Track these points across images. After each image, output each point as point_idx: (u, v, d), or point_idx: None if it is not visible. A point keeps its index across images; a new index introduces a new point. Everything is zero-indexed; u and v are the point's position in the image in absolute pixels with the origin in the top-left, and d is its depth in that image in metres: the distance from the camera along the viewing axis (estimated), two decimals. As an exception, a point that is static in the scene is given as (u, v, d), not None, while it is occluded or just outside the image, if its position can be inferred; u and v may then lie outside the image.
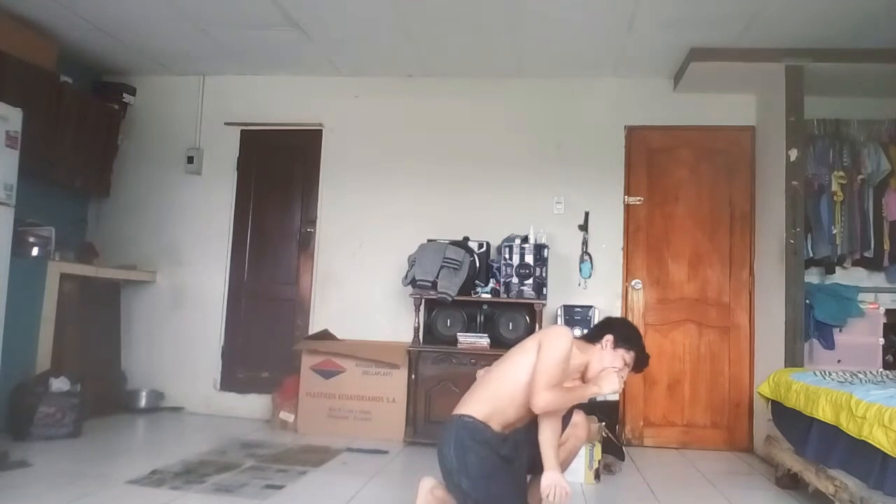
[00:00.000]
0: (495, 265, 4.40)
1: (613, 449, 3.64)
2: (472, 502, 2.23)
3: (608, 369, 2.36)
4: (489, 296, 4.33)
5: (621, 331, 2.47)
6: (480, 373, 2.63)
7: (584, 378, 2.43)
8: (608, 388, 2.32)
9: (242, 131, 5.10)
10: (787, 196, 3.99)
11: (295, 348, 4.53)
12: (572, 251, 4.61)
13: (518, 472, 2.38)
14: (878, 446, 2.28)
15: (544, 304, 4.26)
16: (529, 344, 2.37)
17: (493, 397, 2.33)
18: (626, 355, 2.42)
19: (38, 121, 3.97)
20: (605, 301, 4.52)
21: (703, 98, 4.63)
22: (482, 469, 2.23)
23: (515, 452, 2.35)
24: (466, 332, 4.33)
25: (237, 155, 5.09)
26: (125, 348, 4.96)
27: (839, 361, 4.05)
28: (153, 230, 5.08)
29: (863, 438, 2.38)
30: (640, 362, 2.46)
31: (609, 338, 2.42)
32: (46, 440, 3.69)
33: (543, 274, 4.28)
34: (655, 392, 4.52)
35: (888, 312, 4.19)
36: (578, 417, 2.51)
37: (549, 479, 2.23)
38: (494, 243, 4.47)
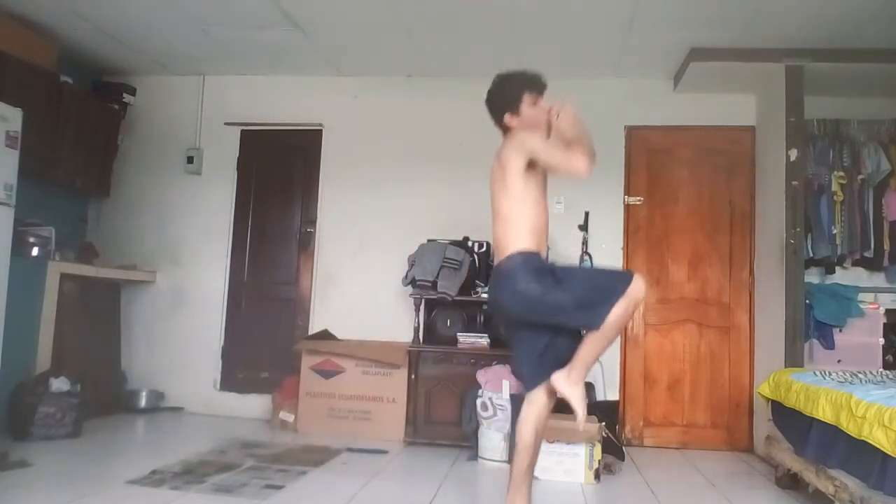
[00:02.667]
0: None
1: (613, 449, 3.64)
2: (573, 305, 2.24)
3: (547, 119, 2.42)
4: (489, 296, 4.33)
5: (499, 103, 2.49)
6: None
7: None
8: (567, 116, 2.38)
9: (242, 131, 5.10)
10: (787, 196, 3.98)
11: (295, 348, 4.53)
12: (572, 251, 4.60)
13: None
14: (878, 446, 2.28)
15: (544, 304, 4.25)
16: (497, 173, 2.40)
17: (529, 223, 2.37)
18: (531, 97, 2.45)
19: (38, 121, 3.96)
20: (605, 301, 4.51)
21: (703, 98, 4.63)
22: (564, 271, 2.35)
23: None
24: (466, 332, 4.33)
25: (237, 155, 5.09)
26: (125, 348, 4.96)
27: (839, 361, 4.05)
28: (153, 230, 5.08)
29: (863, 438, 2.37)
30: (533, 84, 2.47)
31: (507, 117, 2.46)
32: (46, 440, 3.69)
33: (543, 274, 4.27)
34: (655, 392, 4.52)
35: (888, 312, 4.19)
36: None
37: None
38: (494, 243, 4.47)
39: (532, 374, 2.44)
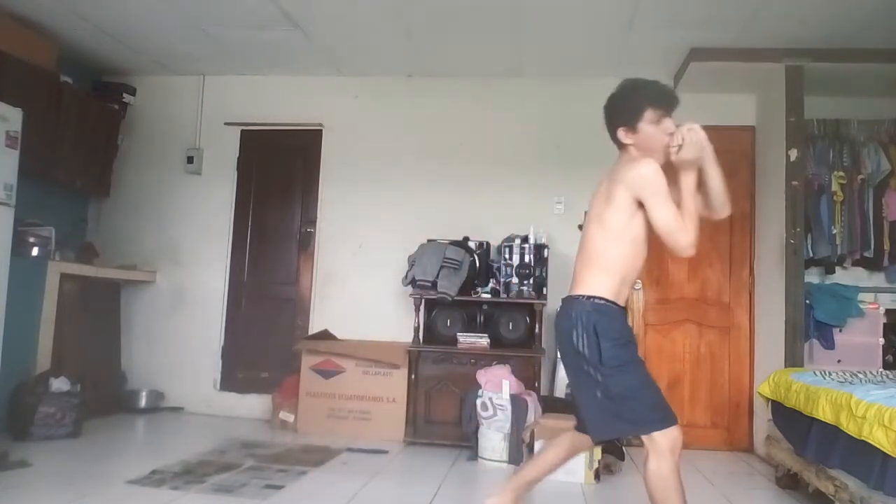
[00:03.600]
0: (495, 265, 4.39)
1: (613, 449, 3.64)
2: (602, 395, 1.99)
3: (667, 143, 2.05)
4: (489, 296, 4.33)
5: (617, 115, 2.13)
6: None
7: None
8: (694, 143, 2.01)
9: (242, 131, 5.11)
10: (787, 196, 3.98)
11: (295, 348, 4.53)
12: (572, 251, 4.57)
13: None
14: (878, 446, 2.28)
15: (544, 304, 4.25)
16: (601, 196, 2.12)
17: (617, 264, 2.08)
18: (650, 119, 2.07)
19: (38, 121, 3.96)
20: (605, 301, 4.51)
21: (703, 98, 4.61)
22: (617, 356, 2.01)
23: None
24: (466, 332, 4.33)
25: (237, 155, 5.10)
26: (125, 348, 4.96)
27: (839, 361, 4.04)
28: (153, 230, 5.08)
29: (863, 438, 2.37)
30: (662, 100, 2.10)
31: (622, 132, 2.12)
32: (46, 440, 3.69)
33: (543, 274, 4.28)
34: (655, 392, 4.51)
35: (888, 312, 4.18)
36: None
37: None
38: (494, 243, 4.47)
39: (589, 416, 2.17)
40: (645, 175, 2.01)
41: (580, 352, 2.04)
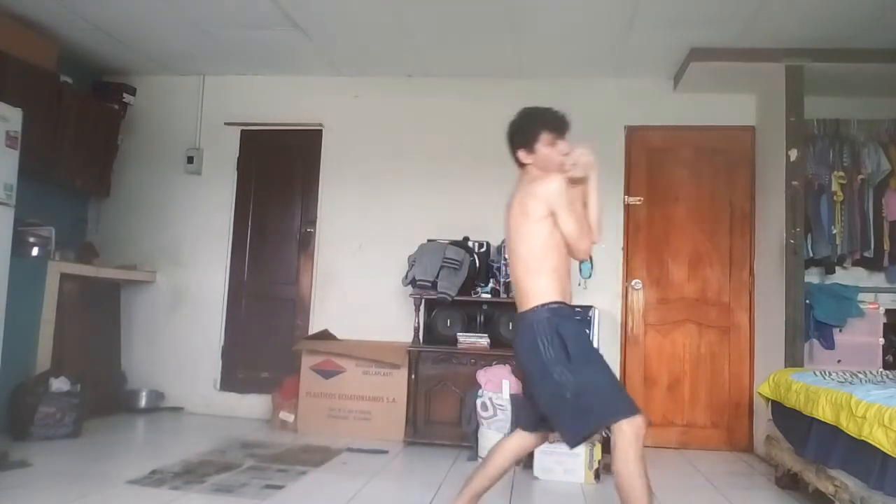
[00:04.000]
0: (495, 265, 4.39)
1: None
2: (571, 394, 2.11)
3: (562, 162, 2.32)
4: (489, 296, 4.33)
5: (515, 138, 2.40)
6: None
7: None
8: (584, 164, 2.34)
9: (242, 131, 5.10)
10: (787, 196, 3.98)
11: (295, 348, 4.53)
12: (572, 251, 4.60)
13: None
14: (878, 446, 2.28)
15: (544, 304, 4.25)
16: (518, 218, 2.31)
17: (553, 268, 2.27)
18: (544, 141, 2.34)
19: (38, 121, 3.97)
20: (605, 301, 4.51)
21: (703, 98, 4.63)
22: (583, 352, 2.19)
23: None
24: (466, 332, 4.32)
25: (237, 155, 5.10)
26: (125, 348, 4.96)
27: (839, 361, 4.05)
28: (153, 230, 5.08)
29: (863, 438, 2.37)
30: (553, 125, 2.36)
31: (521, 154, 2.37)
32: (46, 440, 3.69)
33: (543, 274, 4.28)
34: (655, 392, 4.52)
35: (888, 312, 4.19)
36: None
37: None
38: (494, 243, 4.46)
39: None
40: (555, 190, 2.25)
41: (549, 358, 2.17)
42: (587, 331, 2.34)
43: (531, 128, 2.37)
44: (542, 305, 2.24)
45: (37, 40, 4.23)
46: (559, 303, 2.26)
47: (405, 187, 4.83)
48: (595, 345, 2.26)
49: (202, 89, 5.14)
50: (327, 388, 4.37)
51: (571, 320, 2.29)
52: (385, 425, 4.25)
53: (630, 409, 2.11)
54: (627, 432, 2.09)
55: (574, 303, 4.30)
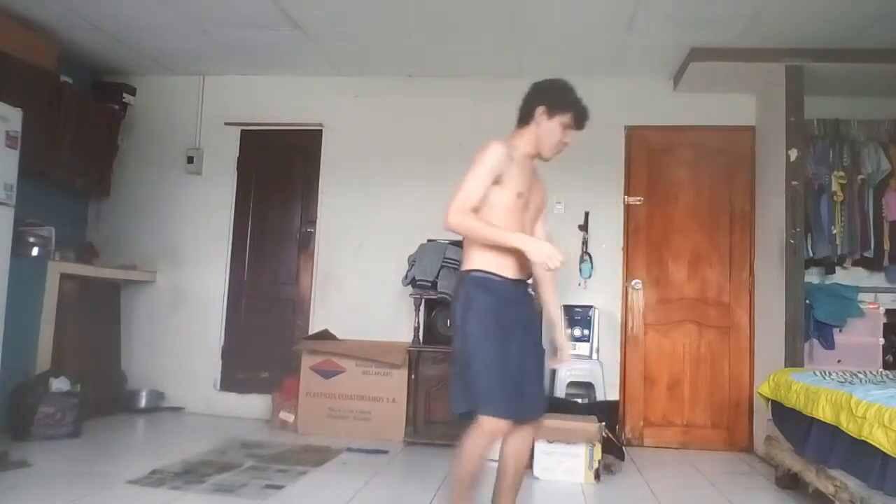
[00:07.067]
0: (495, 265, 4.38)
1: (613, 449, 3.64)
2: (463, 367, 2.10)
3: (544, 247, 2.09)
4: (489, 296, 4.32)
5: (549, 95, 2.26)
6: None
7: (538, 154, 2.31)
8: (536, 254, 2.05)
9: (242, 131, 5.10)
10: (787, 196, 3.98)
11: (295, 348, 4.53)
12: (572, 251, 4.60)
13: (515, 354, 2.14)
14: (878, 446, 2.28)
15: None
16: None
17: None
18: (564, 119, 2.24)
19: (38, 121, 3.96)
20: (605, 301, 4.52)
21: (703, 98, 4.63)
22: (479, 328, 2.10)
23: (525, 328, 2.19)
24: (466, 332, 4.31)
25: (237, 155, 5.09)
26: (125, 348, 4.96)
27: (839, 361, 4.05)
28: (153, 230, 5.08)
29: (863, 438, 2.38)
30: (580, 117, 2.26)
31: (541, 109, 2.25)
32: (46, 440, 3.69)
33: (543, 274, 4.27)
34: (655, 392, 4.52)
35: (888, 312, 4.19)
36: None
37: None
38: (494, 243, 4.46)
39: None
40: (480, 149, 2.19)
41: (457, 324, 2.14)
42: (509, 312, 2.15)
43: (564, 100, 2.26)
44: (468, 272, 2.18)
45: (37, 40, 4.23)
46: (489, 273, 2.15)
47: (405, 187, 4.83)
48: (511, 330, 2.16)
49: (202, 89, 5.14)
50: (327, 388, 4.37)
51: (491, 293, 2.14)
52: (385, 425, 4.25)
53: (501, 411, 2.08)
54: (486, 429, 2.08)
55: (574, 303, 4.39)
